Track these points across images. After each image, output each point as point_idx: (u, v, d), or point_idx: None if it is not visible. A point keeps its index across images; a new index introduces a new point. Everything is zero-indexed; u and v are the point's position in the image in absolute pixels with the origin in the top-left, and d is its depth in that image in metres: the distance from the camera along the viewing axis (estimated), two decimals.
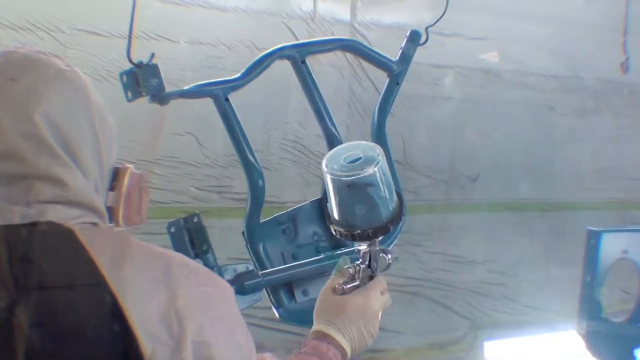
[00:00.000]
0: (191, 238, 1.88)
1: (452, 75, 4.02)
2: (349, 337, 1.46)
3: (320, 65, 3.41)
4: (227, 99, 2.02)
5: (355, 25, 3.76)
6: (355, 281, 1.53)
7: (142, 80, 1.85)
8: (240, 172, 2.06)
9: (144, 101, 1.93)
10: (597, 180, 4.57)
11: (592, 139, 4.49)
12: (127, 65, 1.89)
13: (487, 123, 4.14)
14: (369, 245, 1.53)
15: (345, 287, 1.51)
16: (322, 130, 2.17)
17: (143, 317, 1.09)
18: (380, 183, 1.46)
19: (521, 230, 4.32)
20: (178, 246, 1.92)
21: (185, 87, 2.01)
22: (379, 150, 1.47)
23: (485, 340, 4.17)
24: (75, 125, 1.17)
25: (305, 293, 2.08)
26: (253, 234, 2.07)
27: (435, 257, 4.09)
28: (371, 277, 1.54)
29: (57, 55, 1.23)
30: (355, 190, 1.44)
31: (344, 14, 3.77)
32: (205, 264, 1.87)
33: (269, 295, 2.06)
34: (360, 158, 1.45)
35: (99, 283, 1.09)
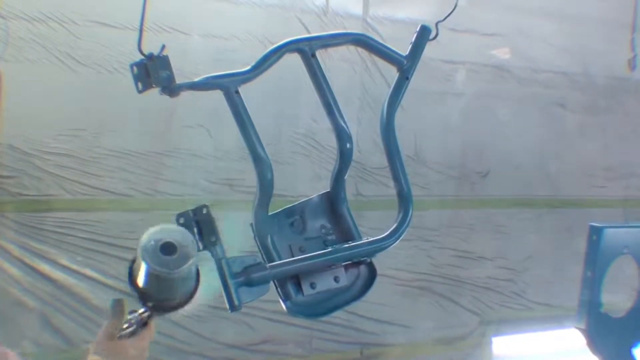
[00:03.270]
0: (200, 230, 1.87)
1: (464, 71, 4.02)
2: None
3: (332, 59, 3.42)
4: (237, 92, 2.02)
5: (368, 19, 3.76)
6: (132, 326, 1.67)
7: (152, 71, 1.85)
8: (251, 165, 2.06)
9: (155, 93, 1.93)
10: (606, 177, 4.57)
11: (602, 136, 4.48)
12: (140, 57, 1.90)
13: (497, 119, 4.14)
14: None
15: (122, 332, 1.66)
16: (331, 124, 2.15)
17: None
18: (186, 277, 1.64)
19: (530, 227, 4.32)
20: None
21: (195, 79, 2.01)
22: (192, 243, 1.65)
23: (493, 336, 4.18)
24: None
25: (312, 286, 2.06)
26: (261, 226, 2.06)
27: (445, 252, 4.09)
28: (145, 324, 1.69)
29: None
30: (168, 281, 1.60)
31: (357, 8, 3.77)
32: (213, 256, 1.87)
33: (276, 288, 2.05)
34: (174, 246, 1.59)
35: None
